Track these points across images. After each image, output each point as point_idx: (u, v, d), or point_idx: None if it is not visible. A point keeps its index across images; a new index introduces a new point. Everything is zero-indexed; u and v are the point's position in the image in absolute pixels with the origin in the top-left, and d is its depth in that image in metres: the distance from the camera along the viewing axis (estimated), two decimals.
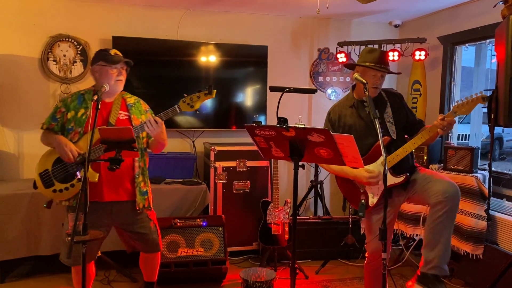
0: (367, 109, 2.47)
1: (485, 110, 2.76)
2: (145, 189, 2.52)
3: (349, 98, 2.60)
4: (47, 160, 2.45)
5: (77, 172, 2.34)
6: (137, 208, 2.47)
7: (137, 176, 2.48)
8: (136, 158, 2.47)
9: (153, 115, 2.49)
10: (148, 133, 2.39)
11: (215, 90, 2.44)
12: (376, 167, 2.42)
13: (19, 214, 3.22)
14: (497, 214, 3.22)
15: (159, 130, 2.36)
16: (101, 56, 2.43)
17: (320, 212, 4.26)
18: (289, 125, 2.07)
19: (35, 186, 2.47)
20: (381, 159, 2.36)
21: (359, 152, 1.91)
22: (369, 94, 2.25)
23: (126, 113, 2.48)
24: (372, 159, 2.46)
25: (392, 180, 2.42)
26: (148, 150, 2.60)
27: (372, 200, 2.46)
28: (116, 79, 2.41)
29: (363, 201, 2.20)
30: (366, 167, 2.41)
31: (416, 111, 4.18)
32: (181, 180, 3.74)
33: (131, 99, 2.55)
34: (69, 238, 1.92)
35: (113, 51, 2.45)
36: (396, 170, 2.43)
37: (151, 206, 2.57)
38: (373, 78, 2.42)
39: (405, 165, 2.47)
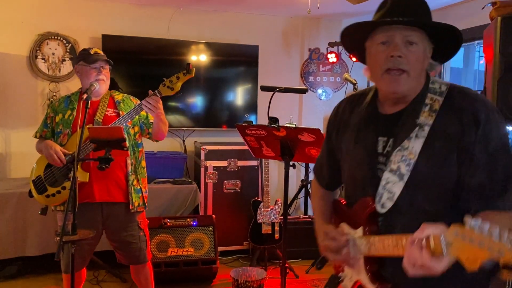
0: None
1: None
2: (138, 187, 2.47)
3: (369, 93, 1.35)
4: (39, 167, 2.42)
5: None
6: (131, 207, 2.42)
7: (130, 174, 2.43)
8: (128, 155, 2.44)
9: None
10: (148, 112, 2.36)
11: (193, 69, 2.36)
12: (351, 233, 1.29)
13: (6, 214, 3.18)
14: None
15: (159, 106, 2.33)
16: (81, 55, 2.42)
17: (310, 212, 4.28)
18: (280, 124, 2.07)
19: (30, 195, 2.43)
20: (360, 231, 1.26)
21: (346, 193, 1.33)
22: (369, 105, 1.29)
23: (115, 110, 2.44)
24: (357, 218, 1.28)
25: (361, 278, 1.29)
26: (142, 145, 2.55)
27: (347, 284, 1.37)
28: (96, 79, 2.36)
29: (335, 274, 1.41)
30: (342, 225, 1.35)
31: None
32: (171, 179, 3.72)
33: (119, 96, 2.52)
34: (57, 238, 1.90)
35: (93, 50, 2.41)
36: (375, 272, 1.25)
37: (146, 204, 2.52)
38: (385, 52, 1.16)
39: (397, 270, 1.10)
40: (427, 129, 1.15)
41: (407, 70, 1.15)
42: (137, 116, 2.41)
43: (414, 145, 1.15)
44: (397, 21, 1.15)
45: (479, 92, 2.64)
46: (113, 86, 2.73)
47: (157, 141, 2.56)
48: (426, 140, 1.14)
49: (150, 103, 2.30)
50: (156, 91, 2.34)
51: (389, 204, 1.17)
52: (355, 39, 1.27)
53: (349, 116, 1.37)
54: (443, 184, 1.14)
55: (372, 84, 1.35)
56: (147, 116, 2.48)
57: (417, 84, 1.20)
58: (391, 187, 1.17)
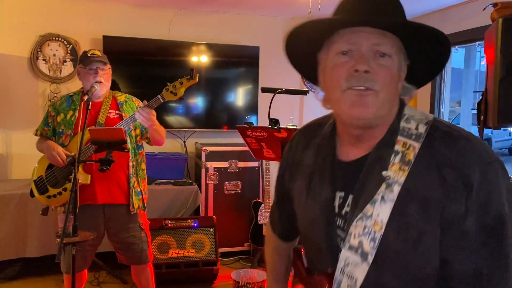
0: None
1: (475, 111, 2.78)
2: (139, 189, 2.47)
3: (326, 124, 1.06)
4: (41, 167, 2.42)
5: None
6: (132, 210, 2.42)
7: (132, 176, 2.43)
8: (129, 157, 2.43)
9: None
10: (141, 123, 2.36)
11: (197, 74, 2.36)
12: None
13: (7, 215, 3.18)
14: None
15: (152, 118, 2.32)
16: (81, 57, 2.42)
17: None
18: (280, 126, 2.07)
19: (32, 195, 2.44)
20: None
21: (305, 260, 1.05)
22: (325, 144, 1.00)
23: (117, 112, 2.44)
24: None
25: None
26: (142, 147, 2.55)
27: None
28: (93, 81, 2.33)
29: None
30: None
31: None
32: (172, 180, 3.72)
33: (122, 97, 2.51)
34: (58, 239, 1.90)
35: (90, 52, 2.40)
36: None
37: (146, 206, 2.52)
38: (346, 65, 0.86)
39: None
40: (397, 189, 0.83)
41: (376, 90, 0.84)
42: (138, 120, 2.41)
43: (380, 212, 0.83)
44: (368, 20, 0.84)
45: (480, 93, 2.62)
46: (114, 87, 2.72)
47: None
48: (396, 206, 0.82)
49: (143, 115, 2.29)
50: (159, 96, 2.34)
51: None
52: (304, 50, 0.95)
53: (301, 155, 1.05)
54: (421, 268, 0.82)
55: None
56: None
57: (388, 114, 0.88)
58: (352, 270, 0.85)
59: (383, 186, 0.84)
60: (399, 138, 0.87)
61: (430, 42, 0.87)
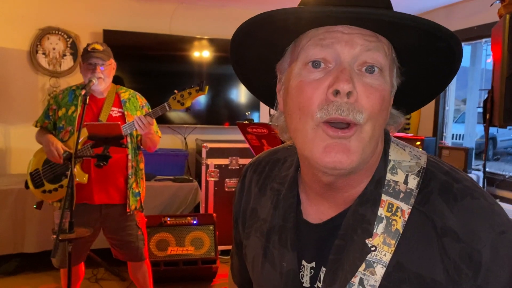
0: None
1: (481, 110, 2.73)
2: (137, 190, 2.43)
3: (286, 162, 0.80)
4: (38, 159, 2.39)
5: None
6: (128, 210, 2.38)
7: (130, 177, 2.39)
8: (129, 158, 2.38)
9: (150, 109, 2.40)
10: (138, 130, 2.32)
11: (207, 87, 2.33)
12: None
13: (5, 210, 3.16)
14: None
15: (149, 128, 2.29)
16: (82, 52, 2.38)
17: None
18: None
19: (26, 186, 2.41)
20: None
21: None
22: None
23: (120, 110, 2.39)
24: None
25: None
26: (142, 148, 2.52)
27: None
28: (92, 76, 2.27)
29: None
30: None
31: None
32: (172, 177, 3.69)
33: (125, 94, 2.46)
34: (54, 236, 1.87)
35: (91, 46, 2.34)
36: None
37: (143, 206, 2.49)
38: (319, 83, 0.59)
39: None
40: (380, 271, 0.60)
41: (360, 123, 0.58)
42: None
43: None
44: (356, 14, 0.56)
45: (486, 91, 2.58)
46: (119, 82, 2.67)
47: None
48: None
49: (142, 123, 2.24)
50: (165, 104, 2.29)
51: None
52: (258, 55, 0.68)
53: (256, 201, 0.79)
54: None
55: None
56: None
57: (372, 154, 0.63)
58: None
59: (362, 266, 0.61)
60: (383, 197, 0.63)
61: (438, 52, 0.60)
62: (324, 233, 0.67)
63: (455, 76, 0.64)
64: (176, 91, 2.32)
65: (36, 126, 2.45)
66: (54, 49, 3.79)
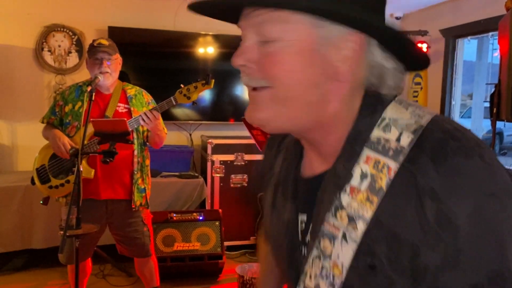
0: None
1: (487, 104, 2.71)
2: (143, 186, 2.44)
3: None
4: (44, 155, 2.40)
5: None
6: (133, 206, 2.39)
7: (136, 172, 2.40)
8: (135, 153, 2.39)
9: (156, 105, 2.40)
10: (144, 126, 2.32)
11: (213, 80, 2.32)
12: None
13: (12, 207, 3.18)
14: None
15: (156, 123, 2.29)
16: (88, 47, 2.38)
17: None
18: None
19: (32, 182, 2.42)
20: None
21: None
22: None
23: (126, 106, 2.40)
24: None
25: None
26: (147, 144, 2.52)
27: None
28: (98, 71, 2.28)
29: None
30: None
31: None
32: (177, 173, 3.69)
33: (132, 91, 2.47)
34: (61, 232, 1.88)
35: (97, 41, 2.34)
36: None
37: (148, 203, 2.50)
38: None
39: None
40: (361, 227, 0.61)
41: (270, 86, 0.63)
42: None
43: (341, 253, 0.63)
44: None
45: (493, 85, 2.55)
46: (124, 78, 2.68)
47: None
48: (361, 248, 0.61)
49: (148, 118, 2.24)
50: (172, 98, 2.29)
51: None
52: None
53: (274, 159, 0.85)
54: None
55: None
56: None
57: (317, 111, 0.64)
58: None
59: (345, 220, 0.62)
60: (369, 153, 0.62)
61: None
62: (314, 186, 0.70)
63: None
64: (182, 85, 2.32)
65: (42, 122, 2.46)
66: (59, 46, 3.80)
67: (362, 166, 0.63)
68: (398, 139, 0.61)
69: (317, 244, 0.66)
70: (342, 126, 0.66)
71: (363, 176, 0.62)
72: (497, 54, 3.23)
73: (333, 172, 0.66)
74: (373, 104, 0.66)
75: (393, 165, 0.60)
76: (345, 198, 0.63)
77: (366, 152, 0.63)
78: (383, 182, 0.60)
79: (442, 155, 0.57)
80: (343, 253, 0.62)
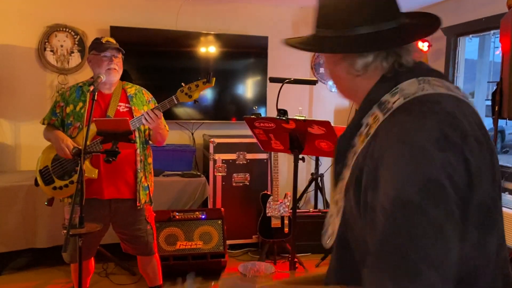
0: None
1: (489, 103, 2.71)
2: (146, 184, 2.46)
3: None
4: (47, 157, 2.40)
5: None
6: (138, 204, 2.40)
7: (139, 171, 2.41)
8: (138, 152, 2.40)
9: (156, 104, 2.41)
10: (146, 125, 2.33)
11: (214, 78, 2.31)
12: None
13: (16, 206, 3.19)
14: None
15: (158, 122, 2.30)
16: (94, 44, 2.38)
17: (320, 205, 4.23)
18: (289, 117, 2.02)
19: (36, 184, 2.42)
20: None
21: None
22: None
23: (127, 105, 2.41)
24: None
25: None
26: (150, 143, 2.53)
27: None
28: (107, 67, 2.30)
29: None
30: None
31: None
32: (180, 172, 3.70)
33: (132, 89, 2.48)
34: (65, 231, 1.89)
35: (105, 39, 2.37)
36: None
37: (152, 200, 2.51)
38: None
39: None
40: (354, 157, 0.85)
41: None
42: None
43: (346, 176, 0.87)
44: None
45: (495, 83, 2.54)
46: (126, 77, 2.69)
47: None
48: (350, 174, 0.85)
49: (150, 117, 2.25)
50: (173, 97, 2.29)
51: (331, 240, 0.93)
52: None
53: None
54: (363, 242, 0.79)
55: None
56: None
57: (349, 88, 0.95)
58: (331, 221, 0.94)
59: (352, 154, 0.87)
60: (375, 110, 0.84)
61: None
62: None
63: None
64: (183, 84, 2.32)
65: (43, 123, 2.46)
66: (62, 46, 3.81)
67: (368, 119, 0.85)
68: (394, 102, 0.80)
69: (340, 170, 0.90)
70: (363, 94, 0.89)
71: (366, 125, 0.84)
72: (498, 52, 3.23)
73: (352, 121, 0.90)
74: (388, 79, 0.85)
75: (381, 118, 0.81)
76: (355, 140, 0.87)
77: (374, 110, 0.84)
78: (373, 129, 0.81)
79: (395, 112, 0.78)
80: (345, 175, 0.87)
